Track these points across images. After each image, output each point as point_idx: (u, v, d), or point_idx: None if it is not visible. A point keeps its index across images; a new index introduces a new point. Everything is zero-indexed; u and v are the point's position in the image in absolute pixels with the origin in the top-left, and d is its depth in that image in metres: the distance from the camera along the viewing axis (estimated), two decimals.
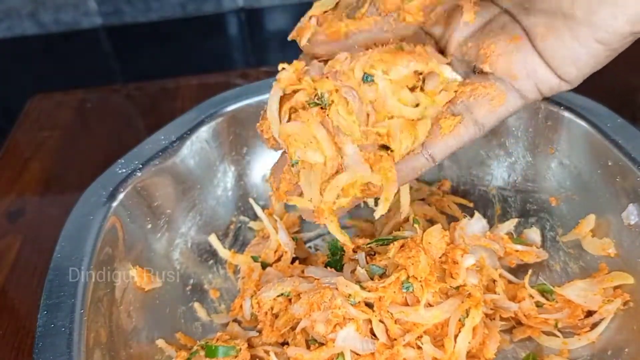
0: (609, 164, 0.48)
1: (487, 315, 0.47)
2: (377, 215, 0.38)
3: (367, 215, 0.62)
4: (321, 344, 0.45)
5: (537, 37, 0.33)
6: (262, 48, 1.03)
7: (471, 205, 0.57)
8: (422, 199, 0.59)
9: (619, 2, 0.29)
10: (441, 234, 0.47)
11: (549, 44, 0.32)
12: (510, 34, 0.34)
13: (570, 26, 0.31)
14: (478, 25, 0.36)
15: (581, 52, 0.31)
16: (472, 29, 0.36)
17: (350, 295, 0.44)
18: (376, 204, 0.39)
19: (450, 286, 0.45)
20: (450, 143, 0.35)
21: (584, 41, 0.31)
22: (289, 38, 0.37)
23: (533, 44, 0.33)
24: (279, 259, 0.54)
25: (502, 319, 0.49)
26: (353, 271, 0.47)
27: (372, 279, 0.46)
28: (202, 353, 0.46)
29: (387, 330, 0.44)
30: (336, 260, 0.51)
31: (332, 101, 0.36)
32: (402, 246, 0.47)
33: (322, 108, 0.37)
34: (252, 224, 0.60)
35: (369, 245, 0.51)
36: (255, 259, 0.55)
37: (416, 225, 0.50)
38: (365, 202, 0.62)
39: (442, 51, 0.38)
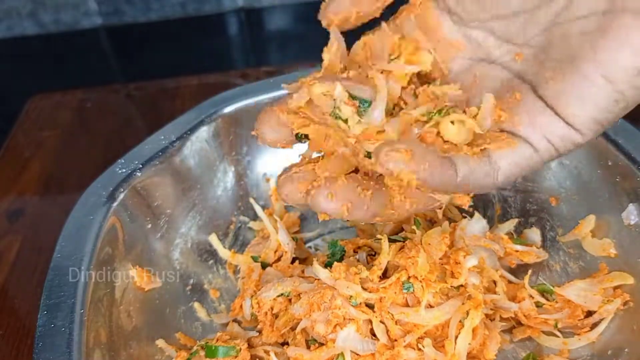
0: (609, 164, 0.48)
1: (487, 315, 0.47)
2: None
3: None
4: (321, 344, 0.45)
5: (543, 83, 0.32)
6: (262, 48, 1.03)
7: (470, 210, 0.57)
8: None
9: (622, 35, 0.29)
10: (441, 236, 0.47)
11: (555, 85, 0.31)
12: (513, 92, 0.33)
13: (577, 65, 0.30)
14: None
15: (589, 92, 0.30)
16: (479, 100, 0.35)
17: (351, 296, 0.44)
18: None
19: (452, 286, 0.45)
20: (472, 165, 0.33)
21: (591, 79, 0.30)
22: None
23: (538, 93, 0.32)
24: (279, 259, 0.54)
25: (502, 319, 0.49)
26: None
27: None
28: (202, 353, 0.46)
29: (387, 331, 0.44)
30: (336, 260, 0.51)
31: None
32: (401, 247, 0.47)
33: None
34: (252, 224, 0.60)
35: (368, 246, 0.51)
36: (255, 259, 0.55)
37: (414, 227, 0.50)
38: None
39: None
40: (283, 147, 0.36)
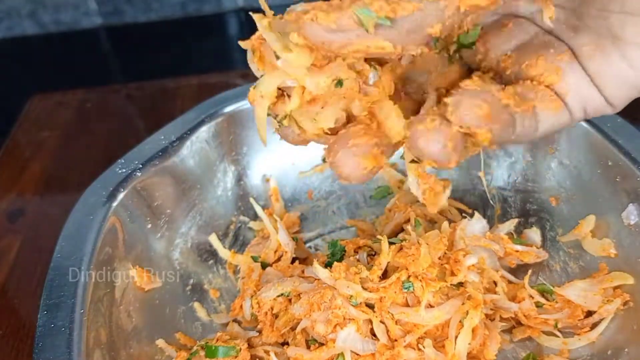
0: (609, 164, 0.48)
1: (487, 315, 0.47)
2: None
3: (367, 215, 0.62)
4: (321, 344, 0.45)
5: (584, 56, 0.32)
6: None
7: (470, 211, 0.57)
8: None
9: None
10: (439, 237, 0.47)
11: (596, 64, 0.31)
12: (558, 49, 0.33)
13: (620, 47, 0.30)
14: (516, 44, 0.34)
15: (629, 74, 0.31)
16: (511, 46, 0.34)
17: (351, 296, 0.44)
18: None
19: (451, 284, 0.45)
20: (526, 123, 0.31)
21: (633, 62, 0.30)
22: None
23: (580, 62, 0.32)
24: (279, 259, 0.54)
25: (502, 319, 0.49)
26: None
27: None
28: (202, 353, 0.46)
29: (387, 331, 0.44)
30: (336, 260, 0.51)
31: None
32: (400, 248, 0.47)
33: None
34: (252, 224, 0.60)
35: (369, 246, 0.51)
36: (255, 259, 0.55)
37: (409, 228, 0.51)
38: (365, 201, 0.62)
39: (471, 70, 0.35)
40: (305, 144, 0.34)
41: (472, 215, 0.54)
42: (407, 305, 0.44)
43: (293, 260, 0.55)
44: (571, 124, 0.33)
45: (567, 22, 0.33)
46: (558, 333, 0.48)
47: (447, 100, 0.28)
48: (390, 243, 0.47)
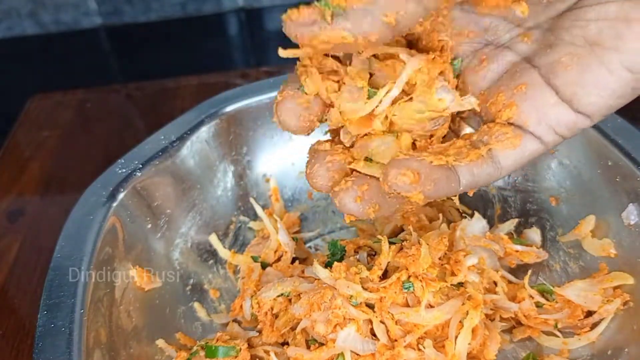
0: (609, 164, 0.48)
1: (487, 315, 0.47)
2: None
3: None
4: (321, 344, 0.45)
5: (559, 69, 0.31)
6: (262, 48, 1.03)
7: (470, 212, 0.57)
8: None
9: None
10: (440, 237, 0.47)
11: (574, 74, 0.31)
12: (517, 81, 0.33)
13: (597, 53, 0.30)
14: (491, 79, 0.35)
15: (608, 80, 0.30)
16: (486, 83, 0.35)
17: (352, 296, 0.44)
18: None
19: (451, 284, 0.45)
20: (474, 170, 0.33)
21: (612, 68, 0.30)
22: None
23: (549, 81, 0.32)
24: (279, 259, 0.54)
25: (502, 319, 0.49)
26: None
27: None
28: (202, 353, 0.46)
29: (387, 331, 0.44)
30: (336, 260, 0.51)
31: None
32: (401, 248, 0.47)
33: None
34: (252, 224, 0.60)
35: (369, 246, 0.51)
36: (255, 259, 0.55)
37: (410, 228, 0.51)
38: None
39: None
40: (307, 134, 0.35)
41: (472, 216, 0.54)
42: (407, 305, 0.44)
43: (293, 260, 0.55)
44: (547, 148, 0.33)
45: (542, 42, 0.33)
46: (558, 333, 0.48)
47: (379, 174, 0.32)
48: (391, 243, 0.47)
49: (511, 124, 0.33)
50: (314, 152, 0.36)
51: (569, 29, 0.31)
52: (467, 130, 0.38)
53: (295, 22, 0.30)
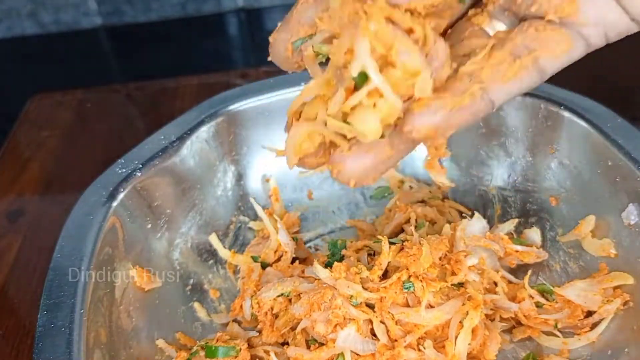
0: (609, 164, 0.48)
1: (487, 315, 0.47)
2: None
3: (367, 215, 0.62)
4: (321, 344, 0.45)
5: None
6: (262, 48, 1.01)
7: (469, 213, 0.57)
8: (422, 201, 0.59)
9: None
10: (439, 239, 0.47)
11: None
12: None
13: None
14: None
15: None
16: None
17: (352, 296, 0.44)
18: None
19: (452, 284, 0.45)
20: (511, 89, 0.31)
21: None
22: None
23: None
24: (279, 259, 0.54)
25: (502, 319, 0.49)
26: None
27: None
28: (202, 353, 0.46)
29: (388, 331, 0.44)
30: (336, 260, 0.51)
31: None
32: (401, 248, 0.47)
33: None
34: (252, 224, 0.60)
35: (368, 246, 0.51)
36: (255, 259, 0.55)
37: (411, 228, 0.51)
38: (365, 201, 0.62)
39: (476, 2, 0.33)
40: (297, 70, 0.34)
41: (472, 216, 0.54)
42: (407, 305, 0.44)
43: (293, 260, 0.55)
44: (589, 51, 0.31)
45: None
46: (558, 333, 0.48)
47: (401, 125, 0.29)
48: (391, 243, 0.47)
49: (563, 24, 0.31)
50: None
51: None
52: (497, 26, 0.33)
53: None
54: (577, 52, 0.31)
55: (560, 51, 0.30)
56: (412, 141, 0.31)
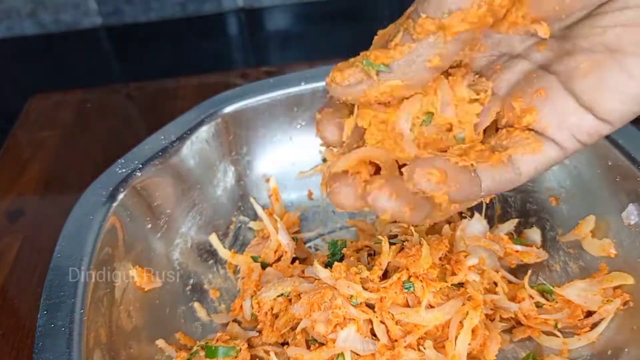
0: (609, 164, 0.48)
1: (487, 316, 0.47)
2: None
3: (367, 215, 0.62)
4: (321, 344, 0.45)
5: (579, 76, 0.31)
6: (262, 48, 1.03)
7: (469, 213, 0.57)
8: None
9: None
10: (440, 239, 0.47)
11: (593, 80, 0.31)
12: (536, 86, 0.33)
13: (618, 59, 0.30)
14: (507, 87, 0.35)
15: (630, 85, 0.30)
16: (502, 91, 0.35)
17: (352, 296, 0.44)
18: None
19: (452, 284, 0.45)
20: (496, 177, 0.33)
21: (633, 73, 0.29)
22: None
23: (569, 88, 0.32)
24: (279, 259, 0.54)
25: (502, 319, 0.49)
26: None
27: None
28: (202, 353, 0.46)
29: (388, 331, 0.44)
30: (336, 260, 0.51)
31: None
32: (401, 248, 0.47)
33: None
34: (252, 224, 0.60)
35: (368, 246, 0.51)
36: (255, 259, 0.55)
37: (412, 228, 0.50)
38: None
39: None
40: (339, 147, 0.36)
41: (472, 216, 0.54)
42: (407, 305, 0.44)
43: (293, 260, 0.55)
44: (566, 156, 0.33)
45: (559, 50, 0.33)
46: (558, 333, 0.48)
47: (403, 169, 0.31)
48: (391, 243, 0.47)
49: (531, 129, 0.33)
50: (333, 175, 0.35)
51: (587, 37, 0.31)
52: None
53: (341, 84, 0.31)
54: (551, 154, 0.33)
55: (530, 150, 0.32)
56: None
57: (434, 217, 0.34)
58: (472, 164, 0.31)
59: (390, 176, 0.33)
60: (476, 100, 0.33)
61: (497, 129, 0.35)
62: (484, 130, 0.35)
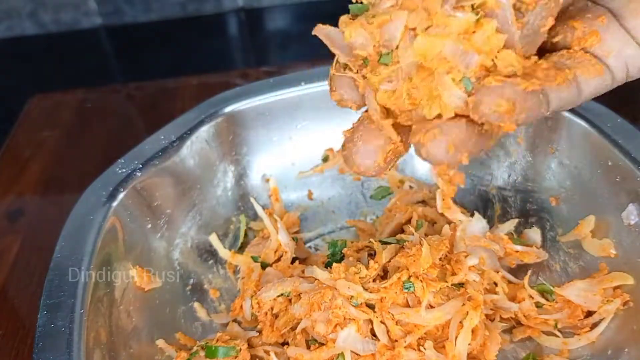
0: (609, 164, 0.48)
1: (487, 316, 0.47)
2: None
3: (367, 215, 0.62)
4: (321, 344, 0.45)
5: (627, 16, 0.32)
6: (262, 48, 1.03)
7: (468, 214, 0.57)
8: (423, 201, 0.59)
9: None
10: (440, 239, 0.47)
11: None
12: (595, 14, 0.33)
13: None
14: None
15: None
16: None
17: (352, 296, 0.44)
18: None
19: (452, 284, 0.45)
20: (562, 95, 0.31)
21: None
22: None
23: (621, 23, 0.32)
24: (279, 259, 0.54)
25: (502, 319, 0.49)
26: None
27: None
28: (202, 353, 0.46)
29: (388, 331, 0.44)
30: (336, 261, 0.51)
31: None
32: (401, 247, 0.47)
33: None
34: (252, 224, 0.60)
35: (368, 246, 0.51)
36: (255, 259, 0.55)
37: (411, 228, 0.50)
38: (365, 201, 0.62)
39: None
40: (357, 108, 0.33)
41: (472, 216, 0.54)
42: (407, 305, 0.44)
43: (293, 260, 0.55)
44: (613, 85, 0.33)
45: None
46: (558, 333, 0.48)
47: (468, 100, 0.29)
48: (388, 243, 0.47)
49: (590, 53, 0.32)
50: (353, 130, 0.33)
51: None
52: None
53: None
54: (606, 81, 0.33)
55: (594, 71, 0.32)
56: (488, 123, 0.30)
57: (486, 146, 0.32)
58: (540, 85, 0.29)
59: (442, 123, 0.30)
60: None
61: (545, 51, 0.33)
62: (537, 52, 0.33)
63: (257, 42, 1.03)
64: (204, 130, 0.56)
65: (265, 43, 1.03)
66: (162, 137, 0.54)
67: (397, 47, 0.30)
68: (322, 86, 0.58)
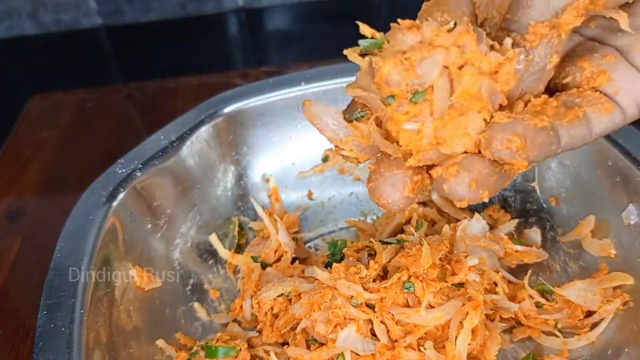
0: (609, 164, 0.48)
1: (487, 316, 0.47)
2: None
3: (367, 215, 0.62)
4: (321, 344, 0.45)
5: (635, 53, 0.32)
6: (262, 48, 1.03)
7: (469, 213, 0.57)
8: (423, 202, 0.59)
9: None
10: (440, 239, 0.47)
11: None
12: (603, 53, 0.33)
13: None
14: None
15: None
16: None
17: (352, 296, 0.44)
18: None
19: (452, 284, 0.45)
20: (572, 133, 0.32)
21: None
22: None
23: (629, 60, 0.33)
24: (279, 259, 0.54)
25: (502, 319, 0.49)
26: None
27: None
28: (202, 353, 0.46)
29: (388, 331, 0.44)
30: (336, 261, 0.51)
31: None
32: (401, 248, 0.47)
33: None
34: (252, 224, 0.60)
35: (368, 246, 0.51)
36: (255, 259, 0.55)
37: (411, 228, 0.50)
38: (365, 201, 0.62)
39: None
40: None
41: (472, 216, 0.54)
42: (407, 305, 0.44)
43: (293, 260, 0.55)
44: (625, 122, 0.33)
45: (609, 27, 0.33)
46: (558, 333, 0.48)
47: (480, 137, 0.29)
48: (388, 243, 0.47)
49: (599, 91, 0.33)
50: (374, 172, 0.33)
51: (638, 15, 0.32)
52: None
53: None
54: (617, 118, 0.33)
55: (604, 109, 0.32)
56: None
57: (504, 185, 0.32)
58: (550, 123, 0.30)
59: (464, 159, 0.30)
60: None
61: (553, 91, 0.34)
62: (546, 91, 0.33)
63: (257, 42, 1.03)
64: (204, 130, 0.56)
65: (265, 43, 1.03)
66: (162, 137, 0.54)
67: (430, 86, 0.29)
68: (322, 86, 0.59)
